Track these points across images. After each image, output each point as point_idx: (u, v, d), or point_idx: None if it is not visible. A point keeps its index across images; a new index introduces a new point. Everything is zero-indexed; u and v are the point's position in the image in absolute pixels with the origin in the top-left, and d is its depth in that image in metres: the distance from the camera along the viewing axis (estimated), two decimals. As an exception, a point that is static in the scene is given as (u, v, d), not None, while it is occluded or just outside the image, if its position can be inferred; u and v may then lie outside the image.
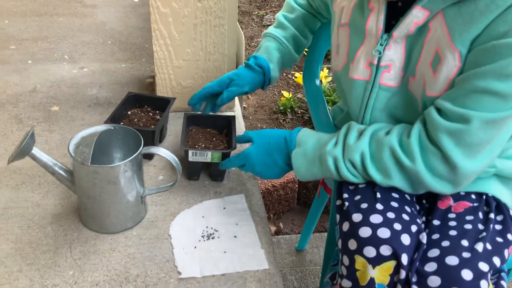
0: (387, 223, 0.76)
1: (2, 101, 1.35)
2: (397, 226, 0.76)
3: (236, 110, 1.35)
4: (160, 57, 1.24)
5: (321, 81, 1.39)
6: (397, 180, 0.81)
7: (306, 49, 1.21)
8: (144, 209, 0.98)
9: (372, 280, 0.75)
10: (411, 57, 0.82)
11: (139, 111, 1.19)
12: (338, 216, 0.85)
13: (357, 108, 0.91)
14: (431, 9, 0.76)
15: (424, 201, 0.90)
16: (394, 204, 0.81)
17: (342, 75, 0.93)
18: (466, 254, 0.72)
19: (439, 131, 0.76)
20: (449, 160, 0.76)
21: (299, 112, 2.12)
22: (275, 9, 3.21)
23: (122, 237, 0.93)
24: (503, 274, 0.81)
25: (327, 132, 0.93)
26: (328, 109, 1.19)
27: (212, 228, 0.96)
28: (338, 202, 0.89)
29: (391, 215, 0.78)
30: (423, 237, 0.76)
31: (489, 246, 0.74)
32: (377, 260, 0.74)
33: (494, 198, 0.85)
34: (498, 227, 0.80)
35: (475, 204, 0.84)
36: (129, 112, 1.18)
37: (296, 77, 2.34)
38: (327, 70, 2.32)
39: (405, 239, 0.75)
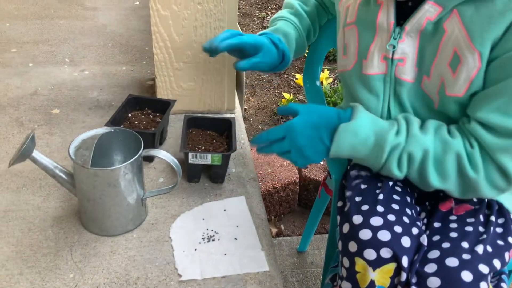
0: (387, 225, 0.76)
1: (3, 104, 1.35)
2: (398, 229, 0.76)
3: (236, 112, 1.35)
4: (160, 59, 1.24)
5: (321, 82, 1.39)
6: (452, 185, 0.79)
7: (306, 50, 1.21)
8: (144, 211, 0.98)
9: (372, 283, 0.75)
10: (424, 54, 0.82)
11: (139, 114, 1.19)
12: (338, 218, 0.85)
13: (377, 103, 0.89)
14: (444, 5, 0.76)
15: (426, 203, 0.90)
16: (395, 206, 0.81)
17: (353, 74, 0.92)
18: (466, 256, 0.72)
19: (495, 151, 0.75)
20: (509, 176, 0.75)
21: (300, 113, 2.12)
22: (276, 11, 3.21)
23: (122, 240, 0.93)
24: (503, 276, 0.81)
25: None
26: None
27: (212, 230, 0.96)
28: (339, 204, 0.89)
29: (391, 217, 0.78)
30: (424, 239, 0.76)
31: (489, 249, 0.74)
32: (377, 263, 0.74)
33: (496, 201, 0.85)
34: (499, 230, 0.80)
35: (476, 207, 0.84)
36: (129, 115, 1.18)
37: (297, 79, 2.34)
38: (328, 72, 2.32)
39: (406, 242, 0.75)
